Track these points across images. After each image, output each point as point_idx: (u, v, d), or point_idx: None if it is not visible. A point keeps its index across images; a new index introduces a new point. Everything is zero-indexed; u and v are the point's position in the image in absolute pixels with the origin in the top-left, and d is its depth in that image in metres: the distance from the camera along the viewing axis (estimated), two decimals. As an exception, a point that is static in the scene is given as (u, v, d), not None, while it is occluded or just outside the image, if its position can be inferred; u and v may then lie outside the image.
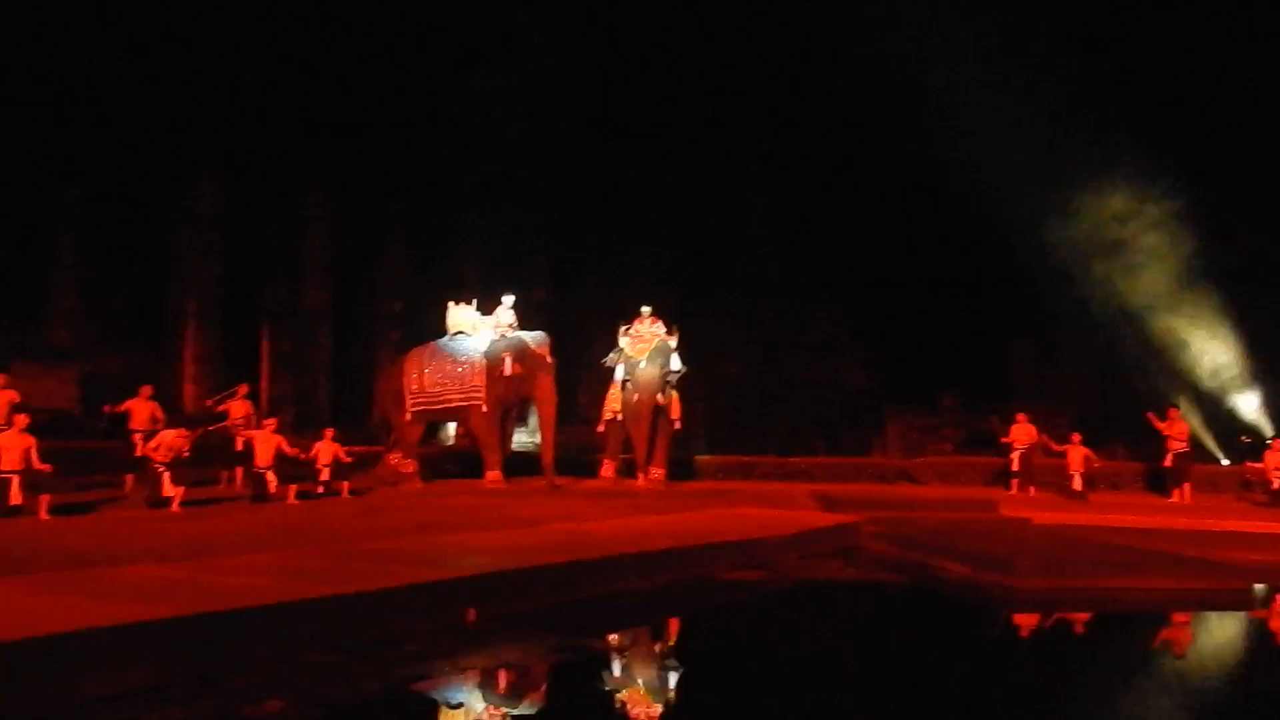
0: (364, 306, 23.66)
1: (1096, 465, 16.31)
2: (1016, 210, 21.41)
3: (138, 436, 12.94)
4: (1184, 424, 16.09)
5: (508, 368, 15.60)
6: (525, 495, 14.49)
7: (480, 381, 15.78)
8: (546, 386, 15.86)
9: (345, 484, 13.88)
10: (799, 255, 24.10)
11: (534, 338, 16.04)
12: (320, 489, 13.65)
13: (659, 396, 16.31)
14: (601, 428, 17.39)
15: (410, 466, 16.26)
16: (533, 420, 19.74)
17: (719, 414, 23.40)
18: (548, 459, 16.09)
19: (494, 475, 15.72)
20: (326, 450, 14.01)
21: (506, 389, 15.75)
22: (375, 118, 22.36)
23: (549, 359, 15.88)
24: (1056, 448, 16.26)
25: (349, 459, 14.31)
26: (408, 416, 16.35)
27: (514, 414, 16.73)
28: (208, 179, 20.55)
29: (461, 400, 15.92)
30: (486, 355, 15.88)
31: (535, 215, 23.65)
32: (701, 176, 23.53)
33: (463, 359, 16.10)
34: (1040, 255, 21.76)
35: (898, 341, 23.40)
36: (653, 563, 8.89)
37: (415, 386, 16.35)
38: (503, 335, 16.00)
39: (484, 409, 15.69)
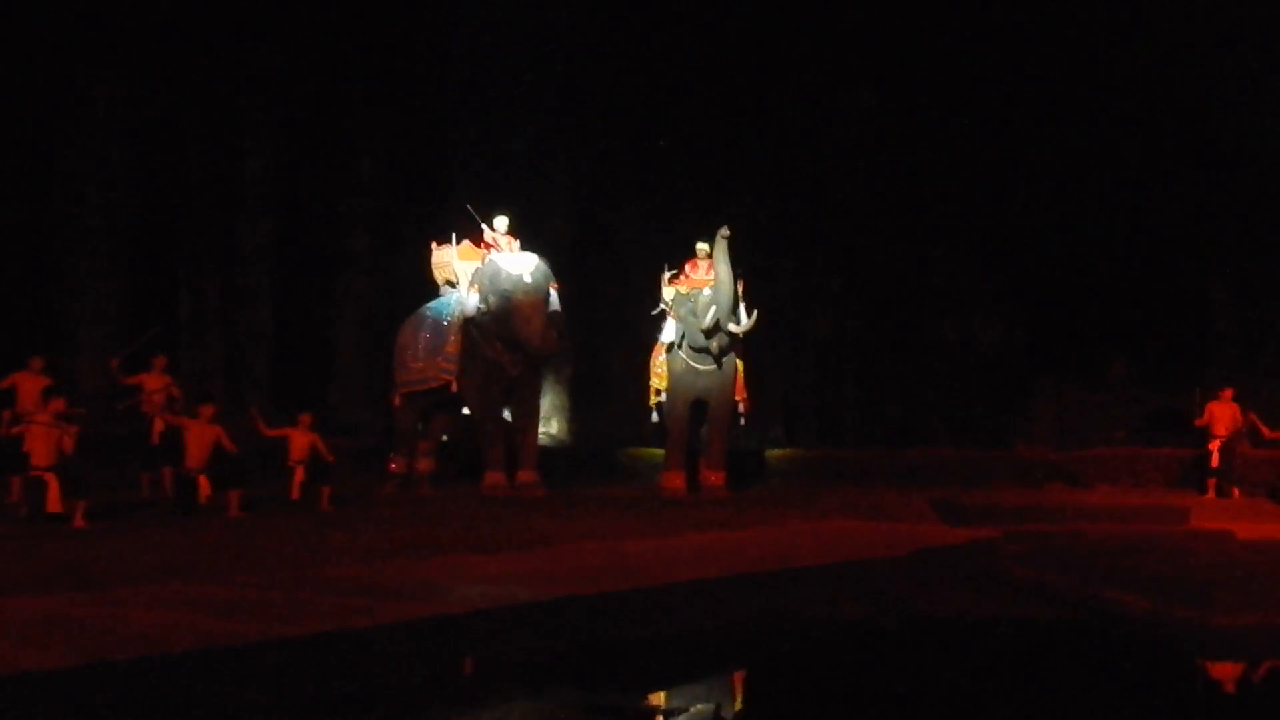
0: (317, 246, 23.81)
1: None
2: (1219, 98, 21.09)
3: (25, 425, 13.12)
4: None
5: (470, 305, 15.53)
6: (541, 504, 14.68)
7: (454, 347, 15.89)
8: (524, 310, 15.51)
9: (325, 489, 14.04)
10: (912, 174, 23.85)
11: (513, 260, 15.97)
12: (295, 494, 13.80)
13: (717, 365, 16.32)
14: (655, 413, 17.47)
15: (398, 465, 16.57)
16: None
17: (804, 391, 23.37)
18: (528, 444, 16.14)
19: (493, 477, 15.86)
20: (301, 441, 14.07)
21: (493, 349, 15.73)
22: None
23: (528, 279, 15.71)
24: (1270, 434, 16.08)
25: (331, 456, 14.46)
26: (396, 400, 16.76)
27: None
28: (107, 74, 20.64)
29: (435, 375, 16.10)
30: (461, 306, 15.97)
31: (552, 120, 23.60)
32: (778, 69, 23.31)
33: (444, 318, 16.28)
34: (1251, 164, 21.42)
35: (1049, 290, 23.16)
36: (712, 594, 8.92)
37: (402, 363, 16.71)
38: (477, 270, 16.06)
39: (454, 387, 15.85)
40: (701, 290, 16.37)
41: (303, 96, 23.00)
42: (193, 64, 21.58)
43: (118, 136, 20.65)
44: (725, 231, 15.76)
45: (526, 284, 15.60)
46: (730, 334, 16.11)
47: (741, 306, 16.32)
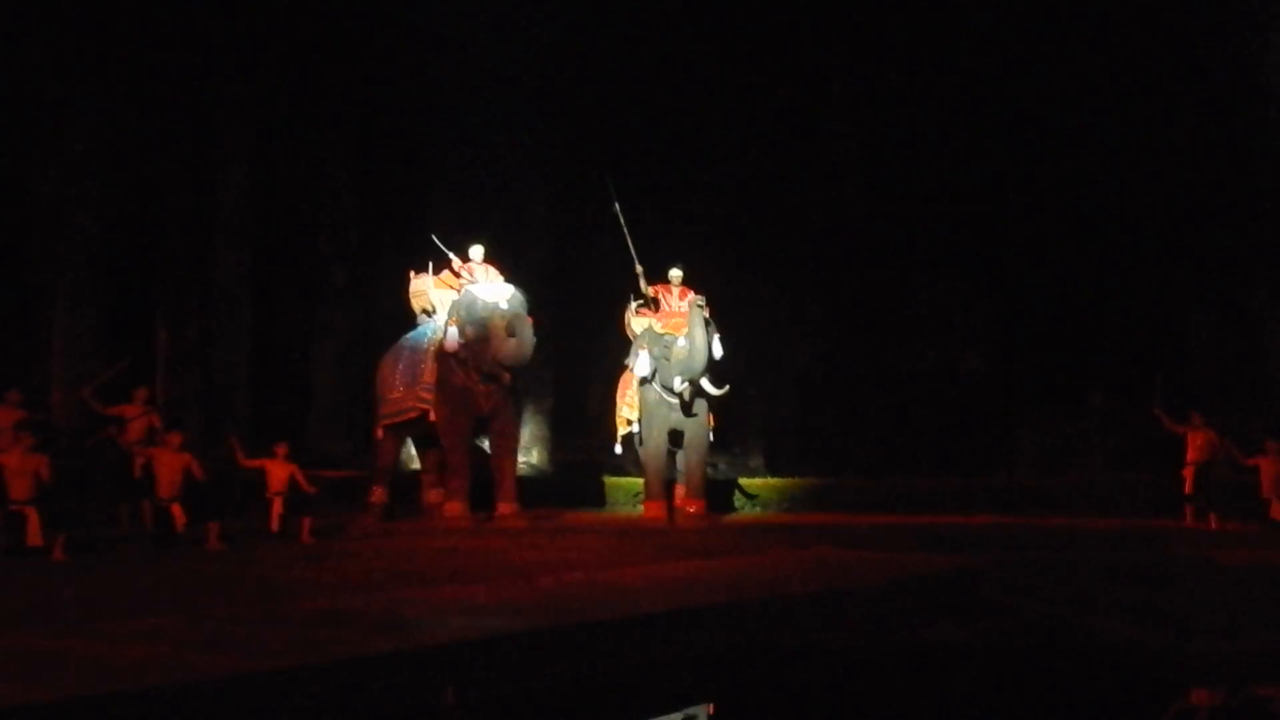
0: (297, 277, 23.78)
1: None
2: (1201, 129, 21.16)
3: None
4: None
5: (450, 340, 15.60)
6: (522, 535, 14.73)
7: (430, 375, 15.98)
8: (501, 331, 15.54)
9: (305, 521, 14.02)
10: (894, 201, 23.93)
11: (490, 289, 16.06)
12: (275, 527, 13.79)
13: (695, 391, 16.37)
14: (618, 446, 17.52)
15: (378, 496, 16.60)
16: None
17: (783, 420, 23.36)
18: (507, 475, 16.15)
19: (454, 508, 15.88)
20: (279, 472, 14.04)
21: (469, 380, 15.81)
22: (313, 15, 22.35)
23: (505, 305, 15.77)
24: (1247, 461, 16.14)
25: (312, 487, 14.46)
26: (379, 433, 16.95)
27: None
28: (83, 107, 20.59)
29: (414, 405, 16.18)
30: (438, 335, 16.07)
31: (531, 153, 23.57)
32: (757, 96, 23.37)
33: (420, 348, 16.39)
34: (1232, 194, 21.54)
35: (1030, 320, 23.25)
36: (693, 623, 8.89)
37: (383, 395, 16.86)
38: (454, 303, 16.15)
39: (432, 416, 15.92)
40: (676, 338, 16.34)
41: (281, 128, 22.99)
42: (169, 94, 21.56)
43: (94, 168, 20.58)
44: (699, 300, 15.97)
45: (503, 309, 15.67)
46: (704, 391, 16.26)
47: (717, 344, 16.30)
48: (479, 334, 15.55)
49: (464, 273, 16.67)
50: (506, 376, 15.89)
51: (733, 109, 23.31)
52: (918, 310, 24.40)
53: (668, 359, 16.23)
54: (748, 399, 20.41)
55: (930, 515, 16.83)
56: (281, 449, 14.26)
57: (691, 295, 16.22)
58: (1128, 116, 22.15)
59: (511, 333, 15.45)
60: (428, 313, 16.92)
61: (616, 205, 17.41)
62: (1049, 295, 23.05)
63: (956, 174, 23.22)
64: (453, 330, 15.68)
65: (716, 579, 10.62)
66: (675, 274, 17.09)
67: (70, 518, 12.56)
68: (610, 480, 19.83)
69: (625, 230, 17.28)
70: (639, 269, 17.21)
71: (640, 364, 16.65)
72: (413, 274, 17.18)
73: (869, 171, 24.11)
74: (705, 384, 16.08)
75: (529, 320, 15.71)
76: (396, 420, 16.65)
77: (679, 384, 15.97)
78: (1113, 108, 22.30)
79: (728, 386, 16.24)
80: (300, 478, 14.17)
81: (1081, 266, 23.01)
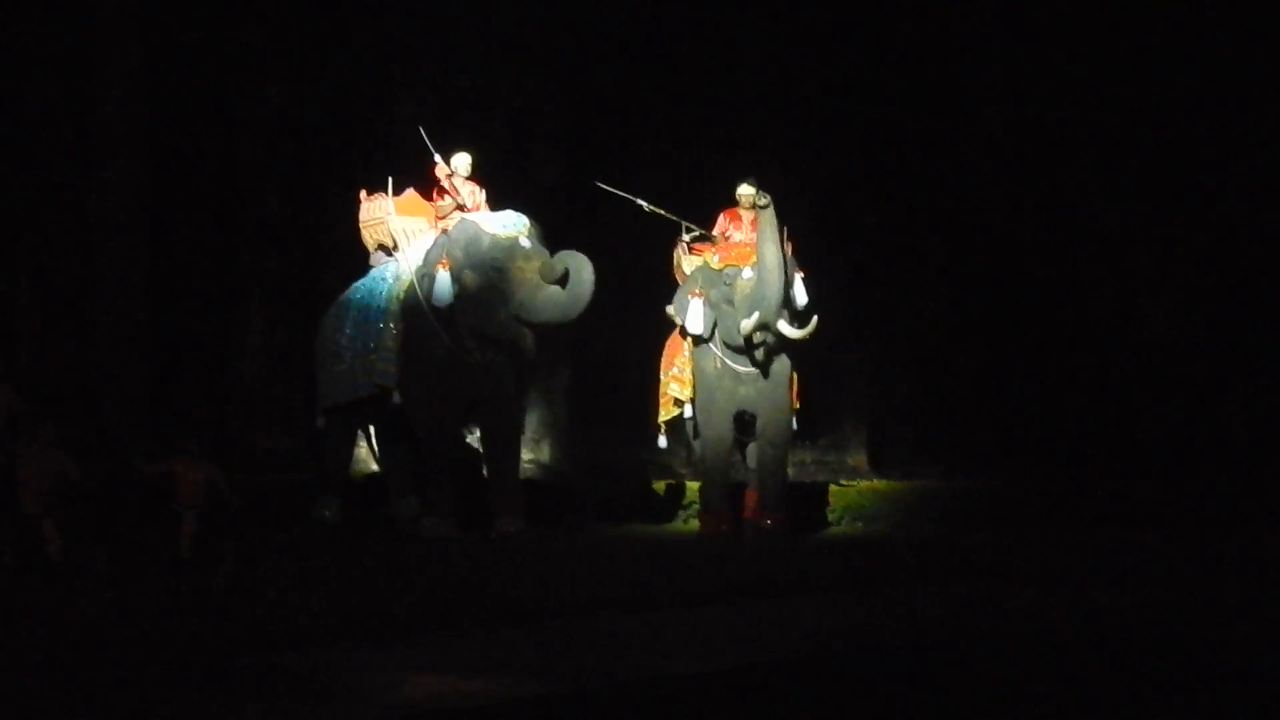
0: (210, 204, 23.69)
1: None
2: None
3: None
4: None
5: (439, 287, 15.54)
6: (527, 557, 14.64)
7: (393, 338, 15.93)
8: (532, 281, 15.57)
9: (228, 544, 14.01)
10: (1054, 91, 23.65)
11: (497, 219, 16.07)
12: (184, 551, 13.83)
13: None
14: (663, 436, 17.48)
15: (327, 509, 17.01)
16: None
17: (897, 402, 23.23)
18: (508, 474, 16.33)
19: (434, 525, 16.05)
20: (191, 478, 14.07)
21: (456, 346, 15.77)
22: None
23: (526, 243, 15.83)
24: None
25: (236, 499, 14.52)
26: (320, 420, 17.35)
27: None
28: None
29: (368, 381, 16.28)
30: (410, 284, 16.01)
31: (536, 31, 23.50)
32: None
33: (376, 299, 16.34)
34: None
35: (1252, 252, 22.84)
36: (769, 689, 8.64)
37: (323, 367, 17.25)
38: (443, 233, 16.06)
39: (397, 397, 16.00)
40: (740, 270, 16.32)
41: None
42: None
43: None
44: (764, 200, 15.76)
45: (525, 249, 15.63)
46: (781, 336, 16.07)
47: (800, 289, 16.23)
48: (487, 281, 15.50)
49: (448, 188, 16.55)
50: (528, 344, 15.85)
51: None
52: (1084, 247, 23.95)
53: (730, 301, 16.18)
54: (846, 369, 20.19)
55: (1119, 532, 16.46)
56: (193, 445, 14.32)
57: (759, 197, 15.96)
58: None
59: (553, 278, 15.38)
60: (386, 250, 16.85)
61: (640, 201, 17.32)
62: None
63: (1141, 45, 22.82)
64: (443, 277, 15.62)
65: (802, 624, 10.49)
66: (745, 191, 16.92)
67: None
68: (652, 484, 19.79)
69: (656, 209, 17.19)
70: (686, 236, 17.11)
71: (691, 316, 16.56)
72: (364, 195, 17.13)
73: (1017, 56, 23.74)
74: (783, 326, 15.96)
75: (584, 259, 15.61)
76: (342, 403, 16.63)
77: (747, 324, 15.80)
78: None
79: (814, 323, 16.04)
80: (223, 485, 14.24)
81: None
